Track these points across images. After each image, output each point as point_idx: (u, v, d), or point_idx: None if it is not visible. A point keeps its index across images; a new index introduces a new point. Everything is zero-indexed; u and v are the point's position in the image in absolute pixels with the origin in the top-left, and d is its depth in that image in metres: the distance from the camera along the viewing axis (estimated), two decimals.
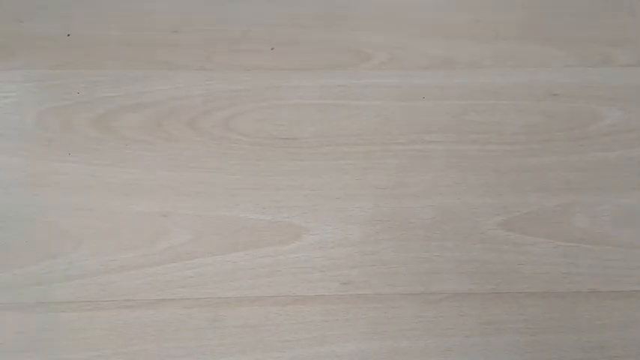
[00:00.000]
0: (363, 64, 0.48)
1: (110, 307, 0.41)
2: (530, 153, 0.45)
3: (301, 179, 0.44)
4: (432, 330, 0.40)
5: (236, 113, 0.46)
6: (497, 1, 0.51)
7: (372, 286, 0.41)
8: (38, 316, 0.40)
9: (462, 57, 0.48)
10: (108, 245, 0.42)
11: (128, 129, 0.46)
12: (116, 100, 0.46)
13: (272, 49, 0.49)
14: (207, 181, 0.44)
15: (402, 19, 0.50)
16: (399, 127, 0.46)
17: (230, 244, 0.42)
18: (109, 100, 0.46)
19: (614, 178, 0.45)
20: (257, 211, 0.43)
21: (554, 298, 0.41)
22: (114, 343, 0.40)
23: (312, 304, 0.41)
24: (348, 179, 0.44)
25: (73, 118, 0.46)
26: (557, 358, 0.40)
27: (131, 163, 0.45)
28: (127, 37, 0.49)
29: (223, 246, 0.42)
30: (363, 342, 0.40)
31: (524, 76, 0.48)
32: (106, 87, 0.47)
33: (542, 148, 0.45)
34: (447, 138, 0.46)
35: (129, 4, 0.50)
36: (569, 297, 0.41)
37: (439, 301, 0.41)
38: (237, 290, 0.41)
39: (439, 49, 0.49)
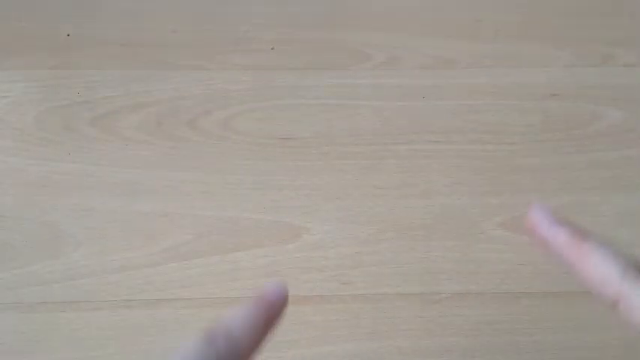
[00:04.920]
0: (363, 64, 0.48)
1: (110, 307, 0.41)
2: (530, 153, 0.45)
3: (301, 179, 0.44)
4: (432, 330, 0.40)
5: (236, 113, 0.46)
6: (497, 1, 0.51)
7: (372, 286, 0.41)
8: (38, 316, 0.40)
9: (462, 57, 0.48)
10: (108, 245, 0.42)
11: (128, 129, 0.46)
12: (116, 100, 0.46)
13: (272, 49, 0.48)
14: (207, 181, 0.44)
15: (402, 19, 0.50)
16: (399, 127, 0.46)
17: (230, 244, 0.42)
18: (109, 100, 0.46)
19: (614, 178, 0.45)
20: (257, 211, 0.43)
21: (554, 298, 0.41)
22: (114, 343, 0.40)
23: (312, 304, 0.41)
24: (348, 179, 0.44)
25: (73, 118, 0.46)
26: (557, 358, 0.40)
27: (131, 163, 0.45)
28: (127, 37, 0.49)
29: (223, 246, 0.42)
30: (363, 342, 0.40)
31: (524, 76, 0.48)
32: (106, 87, 0.47)
33: (542, 148, 0.45)
34: (447, 138, 0.46)
35: (129, 4, 0.50)
36: (569, 297, 0.41)
37: (439, 301, 0.41)
38: (237, 290, 0.41)
39: (439, 49, 0.49)
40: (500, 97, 0.47)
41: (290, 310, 0.41)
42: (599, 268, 0.21)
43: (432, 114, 0.46)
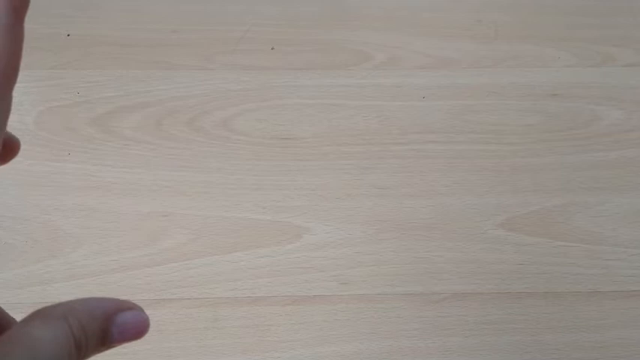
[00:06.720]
0: (363, 64, 0.48)
1: None
2: (530, 153, 0.45)
3: (301, 179, 0.44)
4: (432, 330, 0.40)
5: (236, 113, 0.46)
6: (497, 1, 0.51)
7: (372, 286, 0.41)
8: None
9: (462, 57, 0.48)
10: (108, 245, 0.42)
11: (128, 129, 0.46)
12: (116, 100, 0.46)
13: (272, 49, 0.48)
14: (207, 181, 0.44)
15: (402, 19, 0.50)
16: (399, 127, 0.46)
17: (230, 244, 0.42)
18: (109, 100, 0.46)
19: (614, 178, 0.45)
20: (257, 211, 0.43)
21: (554, 298, 0.41)
22: None
23: (312, 304, 0.41)
24: (348, 179, 0.44)
25: (73, 118, 0.46)
26: (557, 358, 0.40)
27: (131, 163, 0.45)
28: (127, 37, 0.49)
29: (223, 246, 0.42)
30: (363, 342, 0.40)
31: (524, 76, 0.48)
32: (106, 87, 0.47)
33: (542, 148, 0.45)
34: (447, 138, 0.46)
35: (129, 4, 0.50)
36: (569, 297, 0.41)
37: (439, 301, 0.41)
38: (237, 290, 0.41)
39: (439, 49, 0.49)
40: (500, 97, 0.47)
41: (290, 310, 0.41)
42: None
43: (432, 114, 0.46)
